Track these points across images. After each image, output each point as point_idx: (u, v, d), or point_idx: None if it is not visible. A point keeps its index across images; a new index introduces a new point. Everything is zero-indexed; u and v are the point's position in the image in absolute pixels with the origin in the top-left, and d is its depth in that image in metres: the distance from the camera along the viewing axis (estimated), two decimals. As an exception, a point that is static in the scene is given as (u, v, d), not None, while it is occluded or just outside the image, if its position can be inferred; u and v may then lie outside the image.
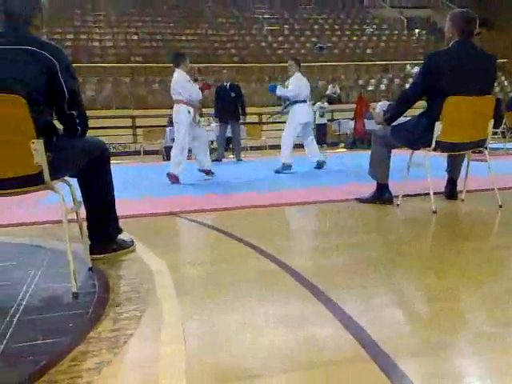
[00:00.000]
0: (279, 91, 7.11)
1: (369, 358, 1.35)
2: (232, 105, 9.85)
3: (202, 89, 6.40)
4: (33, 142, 1.94)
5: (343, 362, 1.36)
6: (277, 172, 6.70)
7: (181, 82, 6.03)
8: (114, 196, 2.60)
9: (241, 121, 10.23)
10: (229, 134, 10.24)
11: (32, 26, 2.25)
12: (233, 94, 9.88)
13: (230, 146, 11.51)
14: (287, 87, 7.10)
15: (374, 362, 1.33)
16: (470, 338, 1.48)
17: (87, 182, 2.48)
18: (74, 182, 2.43)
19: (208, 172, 6.38)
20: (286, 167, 6.72)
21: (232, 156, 12.63)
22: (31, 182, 2.05)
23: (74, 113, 2.27)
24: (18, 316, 1.77)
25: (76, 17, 19.59)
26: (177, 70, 6.12)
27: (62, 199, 2.04)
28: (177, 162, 6.04)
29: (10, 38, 2.13)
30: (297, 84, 6.94)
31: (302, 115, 6.93)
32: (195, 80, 7.54)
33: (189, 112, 6.02)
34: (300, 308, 1.77)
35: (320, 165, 7.17)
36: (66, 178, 2.33)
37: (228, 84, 10.13)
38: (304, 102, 6.99)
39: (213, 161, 7.22)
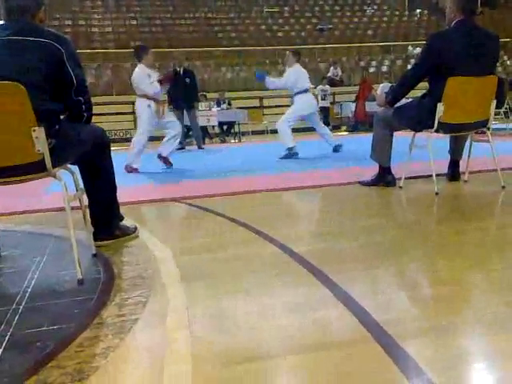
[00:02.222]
0: (270, 84, 6.89)
1: (373, 339, 1.36)
2: (186, 91, 9.21)
3: (161, 81, 6.09)
4: (34, 130, 1.93)
5: (347, 344, 1.36)
6: (282, 158, 6.53)
7: (140, 78, 5.96)
8: (115, 182, 2.60)
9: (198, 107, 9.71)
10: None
11: (36, 19, 2.25)
12: (187, 80, 9.27)
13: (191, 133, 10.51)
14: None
15: (378, 343, 1.34)
16: (475, 321, 1.48)
17: (88, 169, 2.48)
18: (76, 169, 2.43)
19: (166, 160, 6.02)
20: (293, 153, 6.57)
21: (234, 141, 12.61)
22: (33, 169, 2.05)
23: (81, 99, 2.28)
24: (23, 303, 1.79)
25: (74, 2, 19.38)
26: (139, 64, 6.06)
27: (65, 186, 2.04)
28: (136, 153, 5.95)
29: (13, 30, 2.13)
30: (292, 76, 6.73)
31: (303, 107, 6.80)
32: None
33: (149, 106, 5.91)
34: (304, 292, 1.78)
35: (336, 149, 7.08)
36: (68, 165, 2.33)
37: (181, 69, 9.41)
38: (305, 92, 6.82)
39: (177, 149, 6.71)
